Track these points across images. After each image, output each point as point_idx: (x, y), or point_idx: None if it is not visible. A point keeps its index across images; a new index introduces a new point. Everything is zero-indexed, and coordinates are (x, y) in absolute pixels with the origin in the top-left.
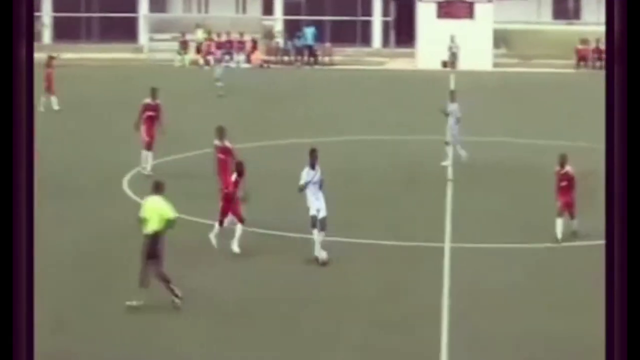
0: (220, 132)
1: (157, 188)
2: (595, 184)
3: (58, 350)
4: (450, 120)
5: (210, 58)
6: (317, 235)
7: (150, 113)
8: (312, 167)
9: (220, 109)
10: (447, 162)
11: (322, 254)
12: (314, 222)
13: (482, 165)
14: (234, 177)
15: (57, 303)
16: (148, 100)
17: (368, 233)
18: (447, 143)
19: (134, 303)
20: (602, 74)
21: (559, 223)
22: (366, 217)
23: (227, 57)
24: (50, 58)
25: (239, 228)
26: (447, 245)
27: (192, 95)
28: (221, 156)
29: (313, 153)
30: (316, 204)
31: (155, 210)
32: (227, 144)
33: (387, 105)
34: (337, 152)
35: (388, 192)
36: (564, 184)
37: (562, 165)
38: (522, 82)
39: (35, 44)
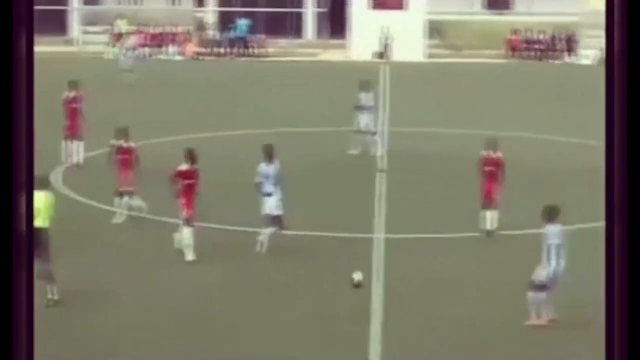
0: (124, 133)
1: (43, 184)
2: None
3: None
4: (364, 110)
5: (144, 50)
6: (266, 234)
7: (72, 105)
8: (268, 162)
9: (152, 100)
10: (379, 152)
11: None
12: (266, 221)
13: (416, 155)
14: (186, 166)
15: None
16: (68, 93)
17: (300, 224)
18: (374, 133)
19: (55, 297)
20: (532, 63)
21: (485, 216)
22: (299, 208)
23: (162, 49)
24: None
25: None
26: (380, 236)
27: (120, 87)
28: (123, 157)
29: (267, 149)
30: (269, 201)
31: (46, 207)
32: (131, 144)
33: (320, 96)
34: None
35: (320, 183)
36: (489, 168)
37: (490, 149)
38: (455, 73)
39: None
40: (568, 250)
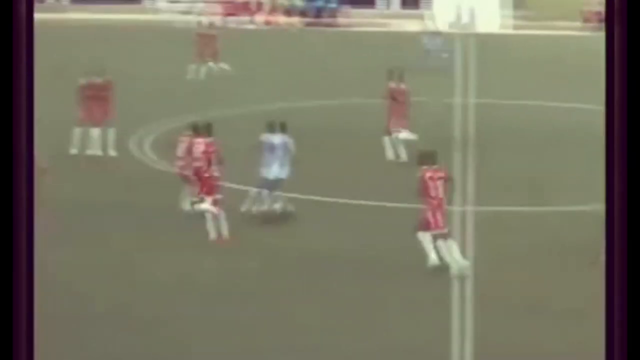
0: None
1: None
2: None
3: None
4: None
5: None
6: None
7: (94, 92)
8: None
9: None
10: None
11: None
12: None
13: (504, 128)
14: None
15: None
16: (94, 79)
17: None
18: None
19: None
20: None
21: None
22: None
23: (247, 19)
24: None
25: None
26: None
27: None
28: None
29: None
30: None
31: None
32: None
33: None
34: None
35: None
36: None
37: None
38: (534, 45)
39: (53, 4)
40: None
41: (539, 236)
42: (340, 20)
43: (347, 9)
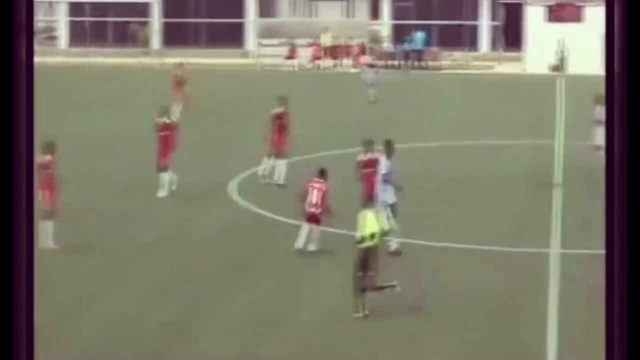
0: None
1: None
2: None
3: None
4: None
5: (319, 62)
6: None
7: (281, 121)
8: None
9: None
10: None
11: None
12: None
13: (589, 169)
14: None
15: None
16: (278, 110)
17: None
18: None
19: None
20: None
21: None
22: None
23: (337, 62)
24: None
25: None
26: (557, 252)
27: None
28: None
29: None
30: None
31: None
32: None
33: (495, 109)
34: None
35: (474, 195)
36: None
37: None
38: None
39: (144, 50)
40: None
41: None
42: (434, 62)
43: (437, 51)
